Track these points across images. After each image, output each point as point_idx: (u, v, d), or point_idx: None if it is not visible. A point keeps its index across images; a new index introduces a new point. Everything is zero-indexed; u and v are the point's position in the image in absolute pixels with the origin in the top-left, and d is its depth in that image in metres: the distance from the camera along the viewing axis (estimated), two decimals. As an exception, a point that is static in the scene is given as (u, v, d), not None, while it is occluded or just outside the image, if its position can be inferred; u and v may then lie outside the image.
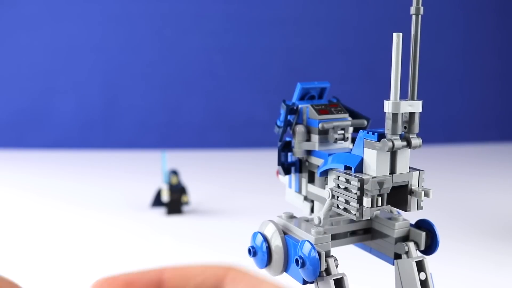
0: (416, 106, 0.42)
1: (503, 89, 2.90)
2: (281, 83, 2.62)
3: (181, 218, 1.47)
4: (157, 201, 1.52)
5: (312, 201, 0.54)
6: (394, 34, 0.40)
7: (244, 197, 1.70)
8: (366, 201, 0.42)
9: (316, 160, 0.52)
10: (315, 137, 0.51)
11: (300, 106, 0.54)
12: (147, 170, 2.07)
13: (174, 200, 1.50)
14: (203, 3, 2.63)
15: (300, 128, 0.52)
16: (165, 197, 1.50)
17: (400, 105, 0.41)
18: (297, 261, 0.44)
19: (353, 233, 0.53)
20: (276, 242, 0.48)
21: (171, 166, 1.67)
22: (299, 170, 0.54)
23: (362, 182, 0.42)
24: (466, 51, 2.82)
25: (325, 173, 0.50)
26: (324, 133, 0.51)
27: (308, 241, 0.45)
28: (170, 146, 2.52)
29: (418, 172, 0.45)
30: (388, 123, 0.42)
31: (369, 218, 0.44)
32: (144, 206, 1.57)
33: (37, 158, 2.38)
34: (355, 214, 0.43)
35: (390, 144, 0.42)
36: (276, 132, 0.53)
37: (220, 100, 2.69)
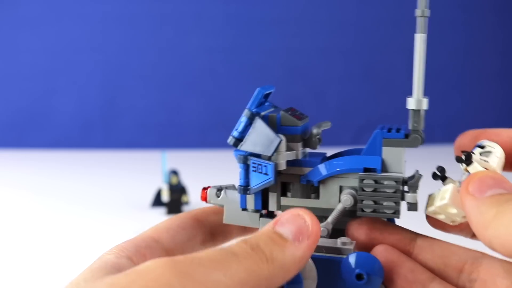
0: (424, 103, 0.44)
1: (503, 89, 2.90)
2: (281, 83, 2.62)
3: (181, 218, 1.47)
4: (157, 201, 1.52)
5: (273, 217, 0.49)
6: (417, 35, 0.41)
7: (244, 197, 1.70)
8: (412, 197, 0.43)
9: (298, 170, 0.46)
10: (296, 145, 0.46)
11: (263, 114, 0.46)
12: (147, 170, 2.07)
13: (174, 200, 1.50)
14: (203, 3, 2.63)
15: (281, 137, 0.45)
16: (165, 197, 1.50)
17: (423, 101, 0.42)
18: (360, 276, 0.40)
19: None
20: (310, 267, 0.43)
21: (171, 166, 1.67)
22: None
23: (401, 180, 0.42)
24: (466, 51, 2.82)
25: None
26: (306, 140, 0.47)
27: (367, 254, 0.41)
28: (170, 146, 2.52)
29: None
30: (416, 119, 0.42)
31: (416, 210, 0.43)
32: (144, 206, 1.57)
33: (37, 158, 2.38)
34: (394, 212, 0.43)
35: (420, 138, 0.43)
36: (231, 144, 0.46)
37: (220, 100, 2.69)
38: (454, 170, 0.44)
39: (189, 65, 2.66)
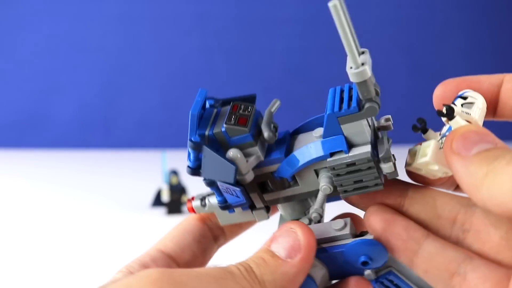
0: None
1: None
2: (281, 83, 2.62)
3: (181, 218, 1.47)
4: (157, 201, 1.52)
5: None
6: (335, 2, 0.35)
7: (244, 197, 1.70)
8: (388, 167, 0.40)
9: (267, 169, 0.45)
10: (254, 149, 0.43)
11: (207, 133, 0.44)
12: (147, 170, 2.07)
13: (174, 200, 1.50)
14: (203, 3, 2.63)
15: (236, 153, 0.42)
16: (165, 197, 1.50)
17: (364, 70, 0.40)
18: (365, 263, 0.42)
19: None
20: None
21: (171, 166, 1.67)
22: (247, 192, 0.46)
23: (370, 156, 0.40)
24: (466, 50, 2.82)
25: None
26: (262, 139, 0.44)
27: (369, 240, 0.42)
28: (170, 146, 2.52)
29: None
30: (364, 90, 0.40)
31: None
32: (144, 206, 1.57)
33: (37, 158, 2.38)
34: (378, 184, 0.41)
35: (376, 106, 0.40)
36: (190, 175, 0.44)
37: (220, 100, 2.69)
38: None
39: (189, 65, 2.66)
